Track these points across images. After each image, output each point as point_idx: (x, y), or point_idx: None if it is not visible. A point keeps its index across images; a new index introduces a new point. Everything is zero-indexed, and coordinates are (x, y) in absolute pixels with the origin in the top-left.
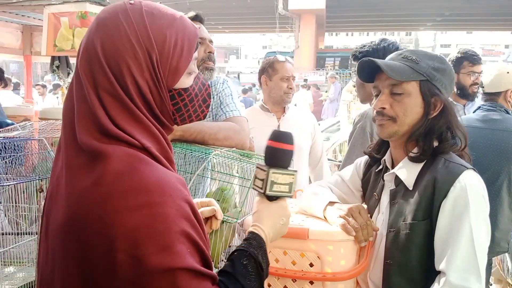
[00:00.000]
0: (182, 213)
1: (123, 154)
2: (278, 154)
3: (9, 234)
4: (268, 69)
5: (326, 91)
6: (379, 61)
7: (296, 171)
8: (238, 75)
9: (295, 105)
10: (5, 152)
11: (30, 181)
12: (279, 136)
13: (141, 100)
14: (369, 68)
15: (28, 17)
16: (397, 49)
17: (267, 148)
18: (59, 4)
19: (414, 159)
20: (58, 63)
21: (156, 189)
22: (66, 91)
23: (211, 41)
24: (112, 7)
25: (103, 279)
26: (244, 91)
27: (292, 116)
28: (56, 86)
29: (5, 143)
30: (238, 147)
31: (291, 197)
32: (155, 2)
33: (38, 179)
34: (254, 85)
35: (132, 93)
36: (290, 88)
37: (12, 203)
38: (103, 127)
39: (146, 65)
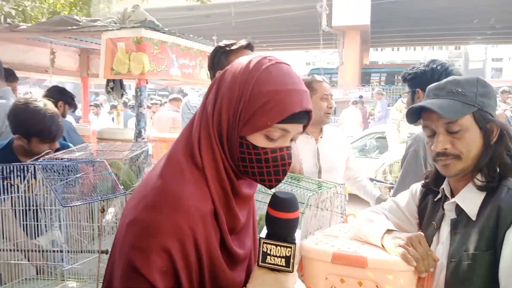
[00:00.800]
0: (177, 234)
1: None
2: (275, 223)
3: (70, 252)
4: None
5: (373, 109)
6: (429, 104)
7: (295, 244)
8: None
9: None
10: (68, 173)
11: (94, 201)
12: (278, 203)
13: (216, 126)
14: (417, 111)
15: (86, 41)
16: (446, 70)
17: (274, 220)
18: (116, 30)
19: (481, 188)
20: (113, 84)
21: (176, 203)
22: (120, 112)
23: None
24: (260, 56)
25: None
26: None
27: (329, 136)
28: (113, 107)
29: (68, 165)
30: (290, 171)
31: (290, 272)
32: (288, 66)
33: (101, 200)
34: None
35: (212, 115)
36: (330, 108)
37: (75, 221)
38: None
39: (235, 103)
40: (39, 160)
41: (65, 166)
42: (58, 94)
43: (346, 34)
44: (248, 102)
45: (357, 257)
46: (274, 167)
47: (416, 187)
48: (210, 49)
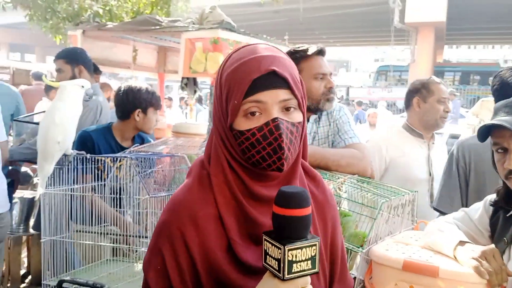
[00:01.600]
0: (168, 236)
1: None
2: (292, 224)
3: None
4: (422, 90)
5: None
6: (502, 122)
7: (318, 238)
8: (348, 89)
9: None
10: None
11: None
12: (291, 199)
13: (218, 128)
14: (487, 128)
15: (165, 39)
16: None
17: (275, 217)
18: (195, 30)
19: None
20: (186, 81)
21: (172, 206)
22: (193, 107)
23: (331, 74)
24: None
25: None
26: (359, 104)
27: (439, 142)
28: (180, 99)
29: (147, 158)
30: (359, 174)
31: (316, 273)
32: (254, 45)
33: None
34: None
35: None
36: (447, 112)
37: (155, 209)
38: None
39: (218, 99)
40: (130, 153)
41: (144, 159)
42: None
43: (420, 30)
44: (222, 93)
45: (428, 266)
46: (268, 145)
47: (490, 199)
48: (281, 48)
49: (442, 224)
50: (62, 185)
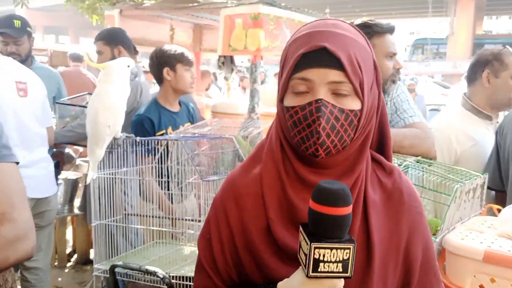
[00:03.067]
0: (214, 209)
1: None
2: (324, 222)
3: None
4: (494, 63)
5: None
6: None
7: (354, 242)
8: None
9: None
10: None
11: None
12: (326, 196)
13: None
14: None
15: (202, 17)
16: None
17: (310, 211)
18: (234, 6)
19: None
20: (223, 59)
21: (223, 183)
22: (231, 86)
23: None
24: None
25: None
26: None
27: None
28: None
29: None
30: (423, 155)
31: (349, 277)
32: (320, 20)
33: None
34: None
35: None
36: None
37: (204, 192)
38: None
39: (280, 73)
40: (180, 135)
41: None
42: None
43: (459, 1)
44: (280, 68)
45: (511, 258)
46: (308, 127)
47: None
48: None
49: None
50: (111, 168)
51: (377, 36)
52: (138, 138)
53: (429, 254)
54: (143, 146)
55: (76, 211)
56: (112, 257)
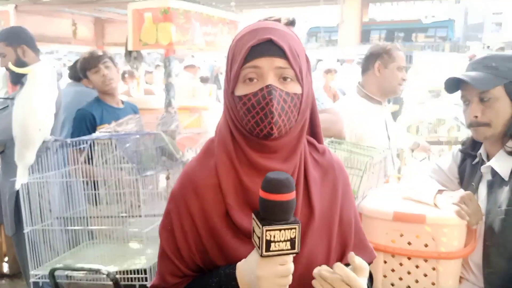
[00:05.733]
0: (175, 201)
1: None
2: (272, 208)
3: (133, 216)
4: (384, 55)
5: None
6: (464, 77)
7: (298, 222)
8: None
9: None
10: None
11: (164, 170)
12: (273, 185)
13: (226, 95)
14: (454, 81)
15: (103, 11)
16: None
17: (260, 199)
18: (143, 0)
19: (511, 153)
20: (136, 54)
21: (180, 176)
22: (140, 81)
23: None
24: None
25: None
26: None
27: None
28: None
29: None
30: (335, 137)
31: (296, 253)
32: (265, 20)
33: (167, 168)
34: None
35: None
36: (404, 80)
37: (134, 188)
38: None
39: (229, 68)
40: (107, 134)
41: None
42: None
43: None
44: (228, 63)
45: (417, 215)
46: (261, 110)
47: (457, 151)
48: (230, 15)
49: (419, 177)
50: (40, 172)
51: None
52: (68, 140)
53: (357, 216)
54: (73, 147)
55: None
56: (43, 263)
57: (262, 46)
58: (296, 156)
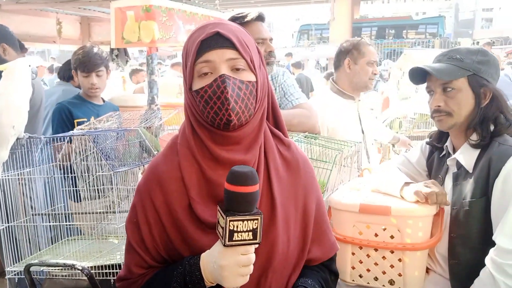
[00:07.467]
0: (139, 194)
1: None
2: (237, 199)
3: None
4: (354, 51)
5: None
6: (427, 67)
7: (261, 214)
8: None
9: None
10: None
11: (139, 166)
12: (237, 177)
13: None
14: (419, 72)
15: (89, 9)
16: None
17: (225, 191)
18: None
19: (474, 146)
20: (117, 52)
21: (145, 171)
22: (126, 79)
23: (271, 39)
24: None
25: None
26: (297, 65)
27: (362, 96)
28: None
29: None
30: (309, 131)
31: (258, 244)
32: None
33: (143, 164)
34: None
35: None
36: (375, 74)
37: (112, 185)
38: None
39: (184, 65)
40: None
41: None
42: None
43: None
44: (183, 60)
45: (381, 207)
46: (218, 99)
47: (425, 144)
48: (213, 13)
49: (388, 169)
50: (15, 169)
51: (243, 27)
52: (42, 137)
53: (321, 209)
54: (49, 144)
55: None
56: (21, 260)
57: (211, 40)
58: (256, 146)
